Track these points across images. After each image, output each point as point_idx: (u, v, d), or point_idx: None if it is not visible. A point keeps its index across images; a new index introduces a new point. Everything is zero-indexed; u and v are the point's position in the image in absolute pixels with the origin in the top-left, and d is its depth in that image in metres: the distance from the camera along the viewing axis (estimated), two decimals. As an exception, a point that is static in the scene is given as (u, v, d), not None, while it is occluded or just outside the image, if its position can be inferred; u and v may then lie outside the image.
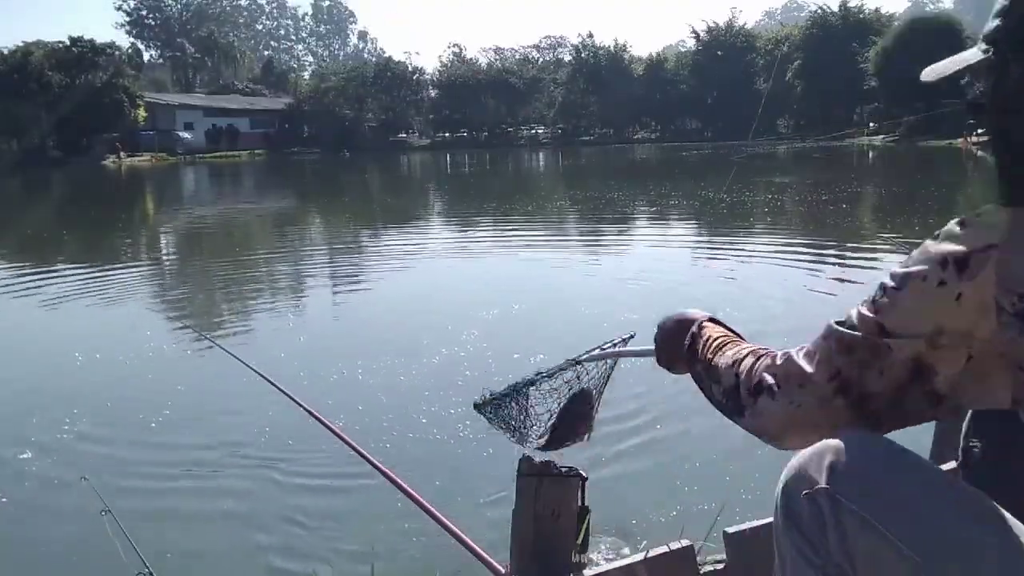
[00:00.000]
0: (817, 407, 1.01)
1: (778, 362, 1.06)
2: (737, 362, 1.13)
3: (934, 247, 0.93)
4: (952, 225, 0.93)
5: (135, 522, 2.97)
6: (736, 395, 1.11)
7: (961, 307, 0.89)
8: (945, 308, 0.90)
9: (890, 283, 0.96)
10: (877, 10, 58.97)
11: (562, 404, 1.55)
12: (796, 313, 7.02)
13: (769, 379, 1.06)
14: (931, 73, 1.06)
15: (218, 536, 3.42)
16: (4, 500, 3.74)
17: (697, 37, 68.47)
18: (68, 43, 55.66)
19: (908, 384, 0.94)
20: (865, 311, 0.98)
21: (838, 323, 1.01)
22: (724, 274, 9.47)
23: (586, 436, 1.59)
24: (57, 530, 3.40)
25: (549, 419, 1.55)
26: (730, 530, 1.64)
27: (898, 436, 1.00)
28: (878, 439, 0.95)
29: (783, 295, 7.86)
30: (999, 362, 0.88)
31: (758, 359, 1.10)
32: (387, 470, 1.86)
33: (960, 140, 36.67)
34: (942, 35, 46.42)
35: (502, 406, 1.56)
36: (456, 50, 79.90)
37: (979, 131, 39.64)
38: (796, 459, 0.97)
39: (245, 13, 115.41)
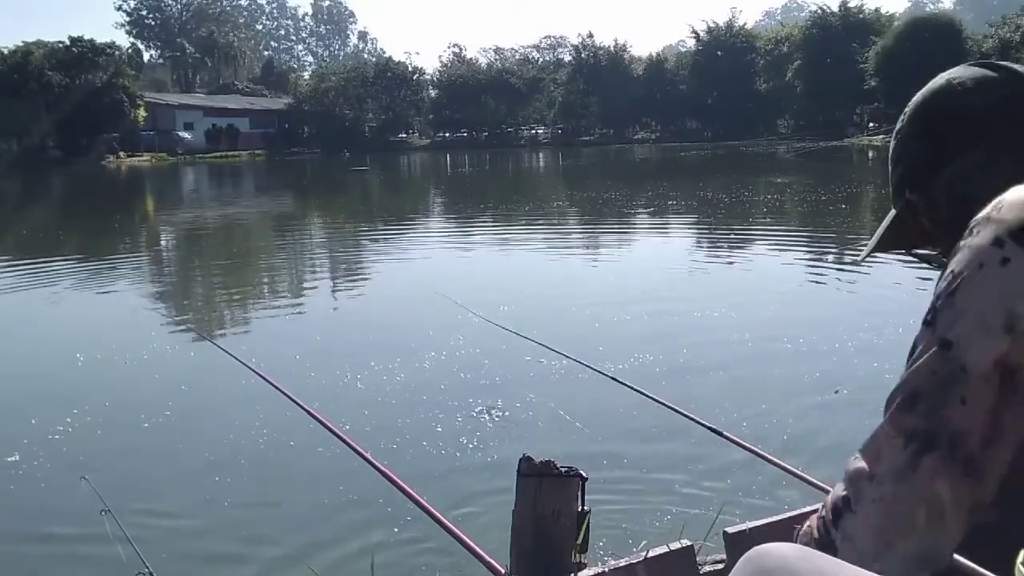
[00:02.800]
0: (903, 486, 0.81)
1: (843, 481, 0.88)
2: (810, 525, 0.92)
3: (975, 240, 0.83)
4: (981, 217, 0.84)
5: (135, 522, 2.97)
6: (822, 539, 0.87)
7: None
8: (1017, 287, 0.79)
9: (942, 293, 0.84)
10: (877, 10, 58.99)
11: None
12: (795, 312, 7.02)
13: (840, 493, 0.86)
14: (866, 254, 1.13)
15: (218, 536, 3.42)
16: (4, 500, 3.74)
17: (697, 37, 68.47)
18: (68, 43, 55.68)
19: (1000, 402, 0.79)
20: (920, 344, 0.84)
21: (897, 385, 0.86)
22: (725, 273, 9.47)
23: None
24: (57, 530, 3.40)
25: None
26: (730, 530, 1.64)
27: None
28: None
29: (783, 294, 7.86)
30: None
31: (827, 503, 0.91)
32: (387, 470, 1.85)
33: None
34: (942, 35, 46.51)
35: None
36: (456, 50, 79.92)
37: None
38: None
39: (245, 13, 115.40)
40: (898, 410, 0.83)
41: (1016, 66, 1.03)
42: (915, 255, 1.06)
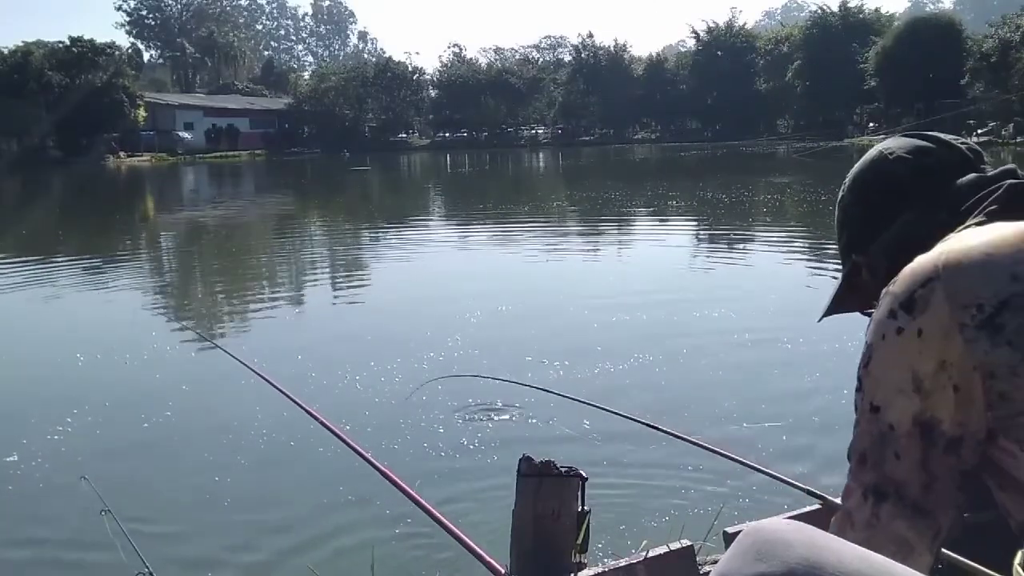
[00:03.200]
0: (873, 532, 0.96)
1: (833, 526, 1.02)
2: None
3: (877, 313, 0.96)
4: (884, 290, 0.96)
5: (135, 522, 2.97)
6: None
7: (926, 342, 0.90)
8: (912, 350, 0.91)
9: (861, 364, 0.97)
10: (877, 10, 59.02)
11: None
12: (795, 311, 7.02)
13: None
14: (822, 315, 1.24)
15: (218, 536, 3.42)
16: (4, 500, 3.74)
17: (697, 37, 68.47)
18: (68, 43, 55.68)
19: (925, 451, 0.92)
20: (857, 407, 0.98)
21: (852, 443, 1.00)
22: (724, 272, 9.47)
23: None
24: (57, 530, 3.40)
25: None
26: (730, 530, 1.64)
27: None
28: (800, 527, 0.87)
29: (783, 293, 7.86)
30: (975, 376, 0.89)
31: None
32: (387, 470, 1.86)
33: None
34: (942, 35, 46.52)
35: None
36: (456, 50, 79.85)
37: (979, 131, 39.84)
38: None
39: (245, 13, 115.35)
40: (855, 467, 0.98)
41: (944, 136, 1.14)
42: (867, 315, 1.14)
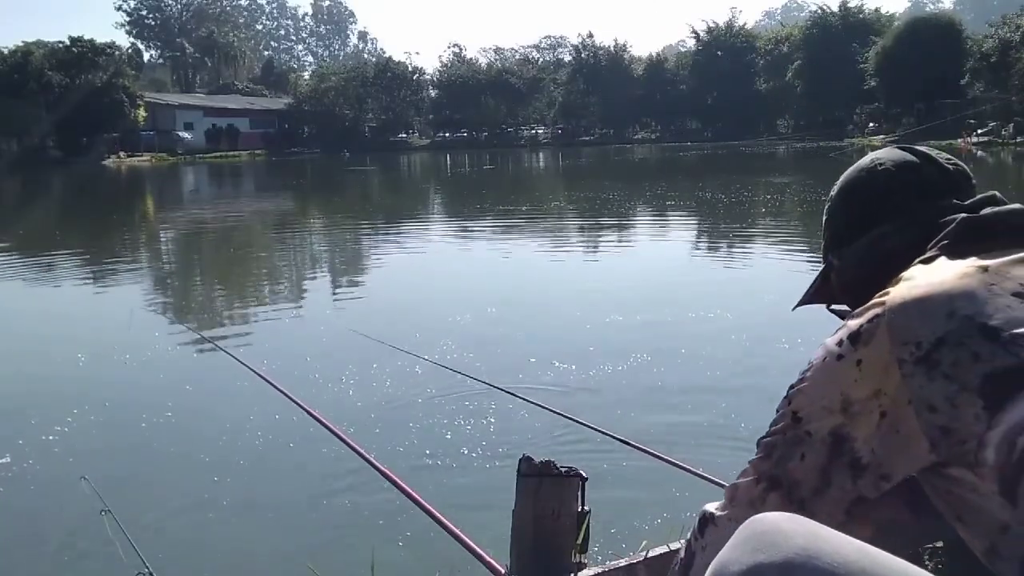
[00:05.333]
0: (753, 512, 0.98)
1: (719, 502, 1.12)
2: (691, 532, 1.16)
3: (828, 339, 1.02)
4: (844, 321, 1.02)
5: (135, 522, 2.97)
6: (688, 549, 1.13)
7: (863, 371, 0.96)
8: (848, 377, 0.97)
9: (800, 378, 1.03)
10: (877, 10, 59.01)
11: None
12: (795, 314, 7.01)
13: (710, 510, 1.11)
14: (797, 304, 1.32)
15: (218, 536, 3.42)
16: (4, 500, 3.74)
17: (697, 37, 68.47)
18: (68, 43, 55.67)
19: (830, 461, 0.99)
20: (780, 410, 1.04)
21: (762, 437, 1.07)
22: (724, 271, 9.47)
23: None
24: (57, 530, 3.40)
25: None
26: (730, 530, 1.64)
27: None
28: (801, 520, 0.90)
29: (782, 293, 7.86)
30: (908, 410, 0.93)
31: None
32: (387, 470, 1.86)
33: (960, 140, 36.68)
34: (942, 35, 46.50)
35: None
36: (456, 50, 79.84)
37: (979, 131, 39.85)
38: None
39: (245, 13, 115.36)
40: (758, 458, 1.06)
41: (935, 153, 1.18)
42: (831, 310, 1.24)
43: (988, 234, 1.02)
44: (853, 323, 0.99)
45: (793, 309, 1.34)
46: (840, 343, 0.99)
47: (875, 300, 0.99)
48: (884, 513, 1.16)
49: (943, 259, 1.01)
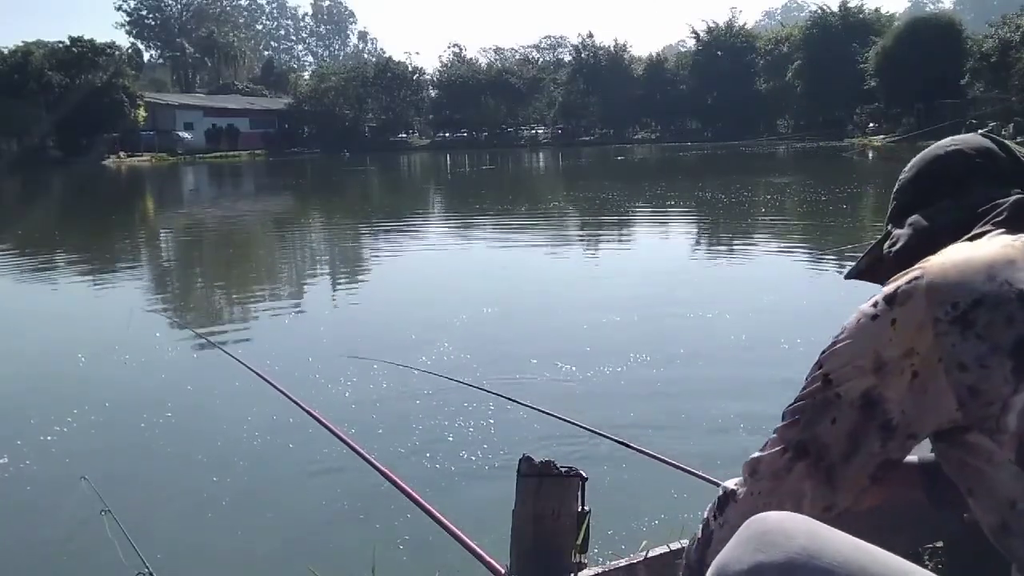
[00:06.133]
0: (777, 483, 1.02)
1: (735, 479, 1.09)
2: (703, 518, 1.13)
3: (862, 305, 1.02)
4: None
5: (135, 522, 2.97)
6: (706, 527, 1.10)
7: (897, 331, 0.96)
8: (883, 336, 0.97)
9: (832, 342, 1.03)
10: (877, 10, 58.96)
11: None
12: (794, 310, 7.02)
13: (730, 487, 1.08)
14: (852, 273, 1.30)
15: (218, 536, 3.42)
16: (4, 500, 3.74)
17: (697, 37, 68.44)
18: (68, 43, 55.64)
19: (861, 424, 0.98)
20: (808, 377, 1.03)
21: (789, 405, 1.05)
22: (723, 271, 9.47)
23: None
24: (57, 530, 3.40)
25: None
26: (730, 530, 1.64)
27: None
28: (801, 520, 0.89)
29: (782, 292, 7.86)
30: (939, 368, 0.94)
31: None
32: (387, 470, 1.85)
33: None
34: (942, 35, 46.47)
35: None
36: (456, 50, 79.81)
37: (980, 131, 39.80)
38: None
39: (245, 13, 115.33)
40: (785, 425, 1.03)
41: (1011, 143, 1.20)
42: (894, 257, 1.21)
43: None
44: (890, 287, 1.00)
45: (846, 278, 1.33)
46: (876, 304, 0.99)
47: (915, 266, 1.00)
48: (903, 480, 1.15)
49: (989, 235, 1.03)
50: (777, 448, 1.03)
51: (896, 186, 1.26)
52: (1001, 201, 1.07)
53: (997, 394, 0.90)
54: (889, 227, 1.23)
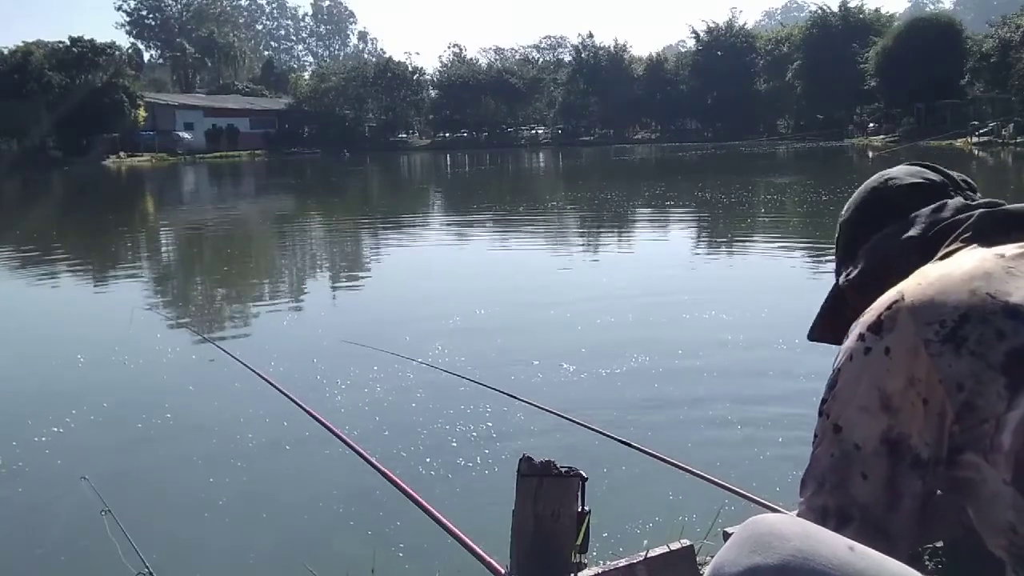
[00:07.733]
0: None
1: None
2: None
3: (846, 342, 0.98)
4: (853, 325, 0.99)
5: (135, 522, 2.97)
6: None
7: (893, 359, 0.93)
8: (880, 368, 0.93)
9: (827, 387, 0.98)
10: (877, 10, 59.08)
11: None
12: (794, 310, 7.02)
13: None
14: (812, 336, 1.25)
15: (218, 536, 3.42)
16: (4, 500, 3.74)
17: (697, 37, 68.52)
18: (68, 43, 55.69)
19: (893, 469, 0.93)
20: (818, 433, 0.98)
21: (805, 473, 1.00)
22: (723, 271, 9.46)
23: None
24: (57, 530, 3.40)
25: None
26: (730, 530, 1.64)
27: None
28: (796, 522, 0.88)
29: (782, 292, 7.85)
30: (940, 390, 0.91)
31: None
32: (387, 470, 1.86)
33: (961, 140, 36.68)
34: (942, 35, 46.51)
35: None
36: (456, 50, 79.92)
37: (979, 131, 39.84)
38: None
39: (245, 13, 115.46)
40: (813, 494, 0.97)
41: (945, 170, 1.19)
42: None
43: (1005, 227, 1.02)
44: (869, 316, 0.97)
45: (809, 339, 1.28)
46: (862, 337, 0.95)
47: (891, 291, 0.97)
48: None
49: (961, 252, 1.01)
50: (814, 519, 0.95)
51: (837, 232, 1.24)
52: (962, 217, 1.06)
53: (991, 411, 0.88)
54: (841, 272, 1.19)
